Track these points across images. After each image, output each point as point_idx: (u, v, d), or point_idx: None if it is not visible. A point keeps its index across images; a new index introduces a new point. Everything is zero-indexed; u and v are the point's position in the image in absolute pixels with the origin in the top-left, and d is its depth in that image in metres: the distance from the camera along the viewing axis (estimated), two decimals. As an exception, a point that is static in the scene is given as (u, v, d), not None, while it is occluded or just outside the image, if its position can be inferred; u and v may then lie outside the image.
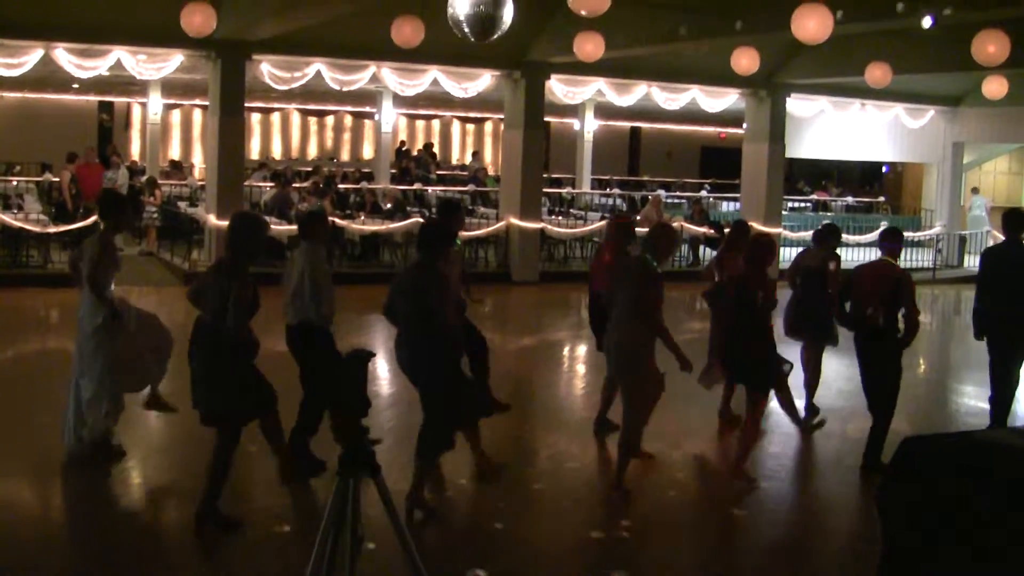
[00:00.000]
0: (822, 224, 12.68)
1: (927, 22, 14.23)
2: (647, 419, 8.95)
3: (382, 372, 12.83)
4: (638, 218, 24.42)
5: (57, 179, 25.20)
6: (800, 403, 11.28)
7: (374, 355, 4.87)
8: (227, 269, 7.56)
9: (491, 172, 33.70)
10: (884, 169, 37.82)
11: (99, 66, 19.77)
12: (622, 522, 8.44)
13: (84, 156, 23.61)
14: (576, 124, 32.88)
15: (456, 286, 9.50)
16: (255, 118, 36.18)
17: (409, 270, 8.63)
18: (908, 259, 26.14)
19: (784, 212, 26.83)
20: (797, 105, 25.96)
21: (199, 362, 7.58)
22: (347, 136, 39.19)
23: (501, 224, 22.61)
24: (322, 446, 8.73)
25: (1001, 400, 10.91)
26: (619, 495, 8.84)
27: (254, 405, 7.79)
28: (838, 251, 11.97)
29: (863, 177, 39.82)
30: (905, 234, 11.31)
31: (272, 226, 20.90)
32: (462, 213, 10.91)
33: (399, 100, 30.14)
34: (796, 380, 12.01)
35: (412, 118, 38.94)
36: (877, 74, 18.63)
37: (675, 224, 24.60)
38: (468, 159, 37.38)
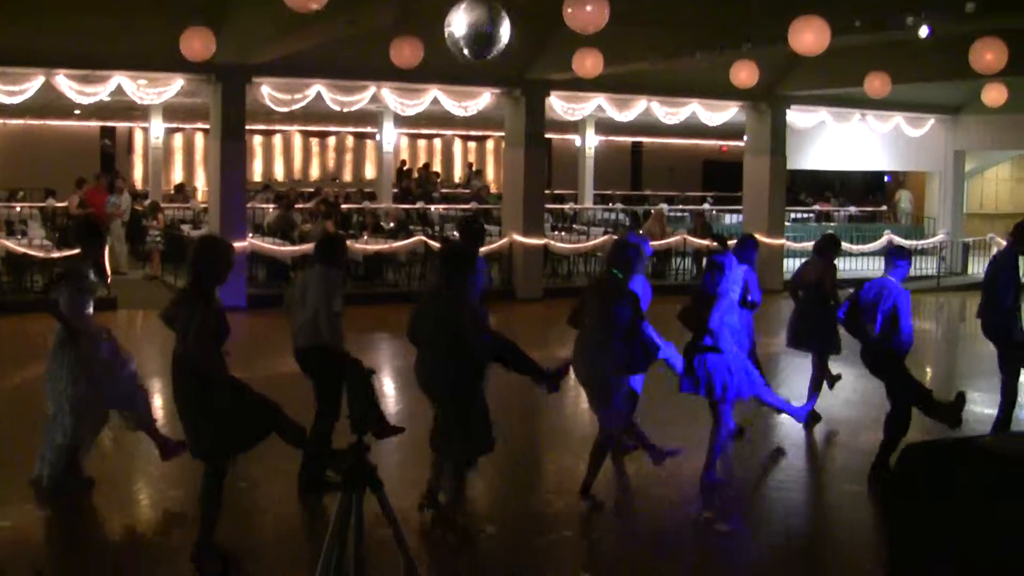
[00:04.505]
0: (821, 236, 12.73)
1: (924, 32, 14.25)
2: None
3: (388, 390, 12.85)
4: (640, 232, 24.45)
5: (63, 204, 25.29)
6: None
7: (374, 372, 4.90)
8: (191, 295, 7.36)
9: (493, 189, 33.73)
10: (886, 179, 37.82)
11: (100, 92, 19.86)
12: (626, 537, 8.48)
13: (94, 183, 23.76)
14: (577, 140, 32.95)
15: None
16: (257, 140, 36.27)
17: (434, 295, 8.61)
18: (912, 267, 26.14)
19: (787, 223, 26.84)
20: (797, 117, 25.99)
21: (179, 398, 7.38)
22: (349, 157, 39.26)
23: (504, 241, 22.62)
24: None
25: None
26: (587, 504, 8.92)
27: (243, 438, 7.43)
28: (836, 262, 12.05)
29: (865, 187, 39.80)
30: (908, 242, 11.44)
31: (275, 247, 21.02)
32: (483, 234, 10.83)
33: (400, 120, 30.25)
34: (802, 390, 12.10)
35: (413, 137, 39.02)
36: (876, 84, 18.66)
37: (678, 237, 24.67)
38: (457, 173, 37.46)
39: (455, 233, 15.20)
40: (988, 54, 14.66)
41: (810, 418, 11.78)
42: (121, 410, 9.32)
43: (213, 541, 7.45)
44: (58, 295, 9.04)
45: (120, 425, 9.48)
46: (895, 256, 10.35)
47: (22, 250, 19.83)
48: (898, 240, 25.25)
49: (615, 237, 21.50)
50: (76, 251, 9.94)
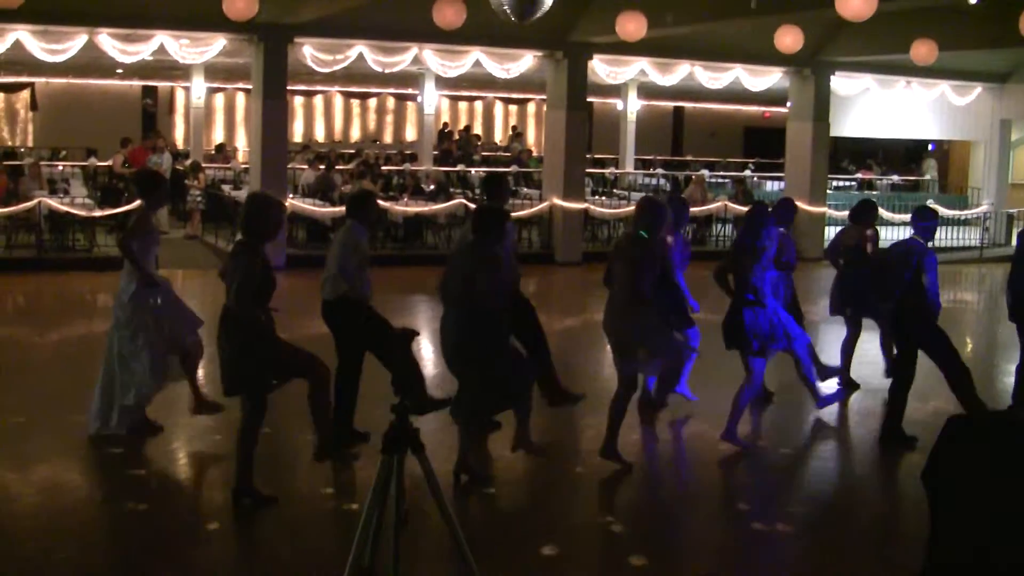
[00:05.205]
0: (857, 201, 12.64)
1: (973, -3, 14.08)
2: None
3: (427, 353, 12.86)
4: (682, 196, 24.34)
5: (105, 163, 25.46)
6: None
7: (418, 334, 4.88)
8: (240, 250, 7.65)
9: (534, 153, 33.66)
10: (930, 147, 37.50)
11: (142, 51, 19.86)
12: (657, 500, 8.49)
13: (142, 142, 24.01)
14: (619, 104, 32.76)
15: (511, 261, 9.44)
16: (298, 101, 36.25)
17: (463, 251, 8.75)
18: (955, 238, 25.99)
19: (829, 191, 26.64)
20: (841, 83, 25.76)
21: (221, 347, 7.64)
22: (390, 118, 39.18)
23: (544, 205, 22.60)
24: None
25: None
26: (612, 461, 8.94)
27: (274, 378, 7.74)
28: (876, 227, 11.97)
29: (908, 155, 39.47)
30: (952, 213, 11.29)
31: (315, 208, 21.06)
32: (506, 185, 10.85)
33: (441, 82, 30.19)
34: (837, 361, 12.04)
35: (454, 99, 38.91)
36: (923, 51, 18.44)
37: (718, 204, 24.57)
38: (497, 136, 37.41)
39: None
40: (1038, 21, 14.47)
41: (849, 385, 11.81)
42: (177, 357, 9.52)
43: (251, 480, 7.69)
44: (125, 235, 9.28)
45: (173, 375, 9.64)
46: (917, 218, 10.16)
47: (64, 208, 19.96)
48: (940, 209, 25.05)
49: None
50: (138, 203, 10.08)
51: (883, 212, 24.84)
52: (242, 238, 7.75)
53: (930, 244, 10.00)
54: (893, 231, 23.56)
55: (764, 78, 25.08)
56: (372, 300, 9.16)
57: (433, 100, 31.62)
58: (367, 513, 4.74)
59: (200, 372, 9.86)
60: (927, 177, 33.59)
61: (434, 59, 22.16)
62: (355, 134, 38.50)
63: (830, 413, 11.20)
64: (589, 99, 24.45)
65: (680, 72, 24.47)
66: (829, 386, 11.38)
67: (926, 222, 10.07)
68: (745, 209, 23.10)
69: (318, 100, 37.74)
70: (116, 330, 9.30)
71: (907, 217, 24.40)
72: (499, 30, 16.06)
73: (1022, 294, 10.79)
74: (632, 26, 16.53)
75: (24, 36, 18.73)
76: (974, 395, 9.76)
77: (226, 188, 24.15)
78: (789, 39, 17.56)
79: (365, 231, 9.26)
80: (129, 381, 9.19)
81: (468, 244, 8.66)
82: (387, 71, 22.81)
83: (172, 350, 9.38)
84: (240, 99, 35.54)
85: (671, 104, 40.31)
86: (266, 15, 17.32)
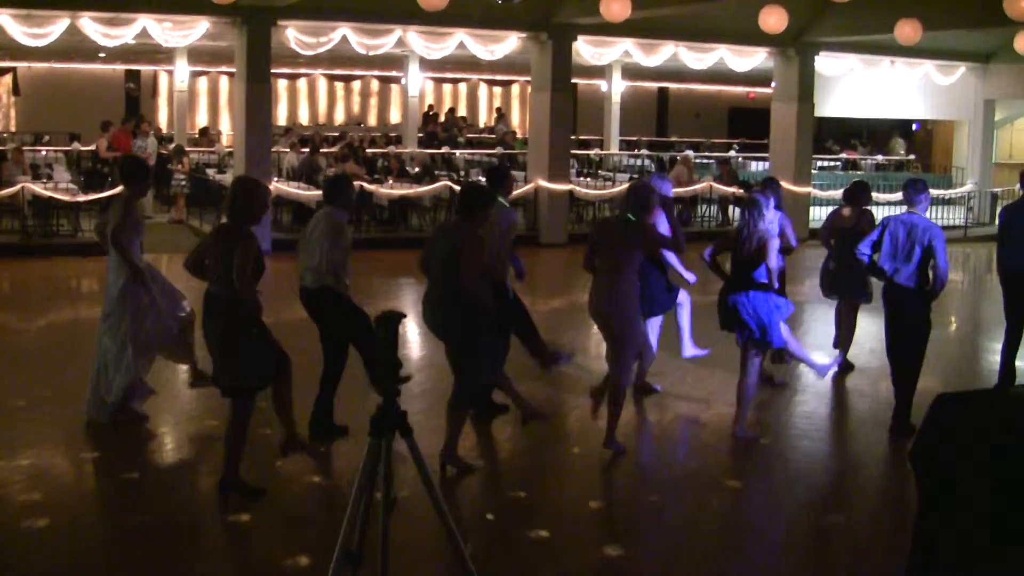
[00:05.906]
0: (851, 182, 12.62)
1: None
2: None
3: (412, 336, 12.85)
4: (668, 176, 24.31)
5: (88, 148, 25.38)
6: (823, 359, 11.35)
7: (404, 316, 4.86)
8: (228, 234, 7.50)
9: (519, 135, 33.61)
10: (914, 127, 37.54)
11: (125, 35, 19.76)
12: (648, 486, 8.50)
13: (122, 125, 23.87)
14: (603, 86, 32.73)
15: (505, 246, 9.40)
16: (282, 84, 36.17)
17: (445, 229, 8.77)
18: (939, 217, 26.00)
19: (813, 171, 26.66)
20: (826, 63, 25.75)
21: (212, 335, 7.50)
22: (374, 101, 39.13)
23: (529, 186, 22.57)
24: (348, 410, 8.82)
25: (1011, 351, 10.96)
26: (613, 449, 8.91)
27: (269, 370, 7.57)
28: (868, 208, 11.95)
29: (893, 135, 39.52)
30: (936, 192, 11.24)
31: (300, 191, 21.00)
32: (511, 178, 10.80)
33: (425, 64, 30.10)
34: (827, 339, 12.08)
35: (439, 82, 38.85)
36: (907, 31, 18.42)
37: (703, 184, 24.58)
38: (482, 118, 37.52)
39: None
40: (1022, 0, 14.45)
41: (843, 367, 11.83)
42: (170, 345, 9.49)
43: (237, 473, 7.62)
44: (113, 227, 9.16)
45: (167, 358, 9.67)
46: (914, 191, 9.86)
47: (48, 194, 19.87)
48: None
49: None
50: (120, 189, 9.99)
51: (868, 192, 24.89)
52: (228, 221, 7.63)
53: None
54: (877, 211, 23.55)
55: (748, 59, 25.07)
56: (353, 285, 9.15)
57: (417, 82, 31.53)
58: (355, 497, 4.73)
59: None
60: (909, 156, 33.69)
61: (418, 41, 22.10)
62: (339, 117, 38.45)
63: (824, 396, 11.23)
64: (573, 80, 24.41)
65: (664, 53, 24.46)
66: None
67: (922, 193, 9.91)
68: (731, 190, 23.37)
69: (302, 83, 37.66)
70: (103, 321, 9.28)
71: (891, 196, 24.65)
72: (483, 12, 15.98)
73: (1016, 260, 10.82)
74: (617, 7, 16.47)
75: (6, 20, 18.63)
76: (909, 401, 9.68)
77: (210, 172, 24.07)
78: (774, 19, 17.53)
79: (346, 215, 9.25)
80: (114, 375, 9.16)
81: (451, 223, 8.66)
82: (371, 53, 22.74)
83: (153, 345, 9.33)
84: (224, 82, 35.44)
85: (655, 85, 40.33)
86: (249, -2, 17.26)
